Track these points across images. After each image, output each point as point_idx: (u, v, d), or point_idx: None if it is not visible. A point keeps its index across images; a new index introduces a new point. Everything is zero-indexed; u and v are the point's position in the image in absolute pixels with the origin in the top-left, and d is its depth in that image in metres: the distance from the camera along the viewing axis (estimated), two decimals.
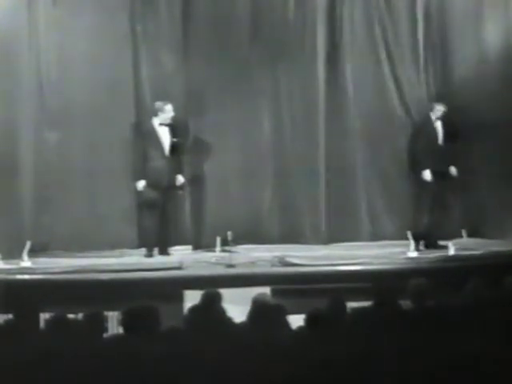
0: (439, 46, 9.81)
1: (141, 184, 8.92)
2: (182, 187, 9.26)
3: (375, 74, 9.77)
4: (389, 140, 9.74)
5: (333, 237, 9.62)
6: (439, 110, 9.21)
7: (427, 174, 9.08)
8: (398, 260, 8.43)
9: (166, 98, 9.14)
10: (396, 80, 9.78)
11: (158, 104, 9.07)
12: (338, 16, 9.76)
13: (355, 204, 9.76)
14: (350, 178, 9.76)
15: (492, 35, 9.61)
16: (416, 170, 9.21)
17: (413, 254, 8.54)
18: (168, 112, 9.02)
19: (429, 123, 9.26)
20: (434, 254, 8.61)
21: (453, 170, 9.24)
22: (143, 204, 9.05)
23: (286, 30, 9.70)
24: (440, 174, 9.15)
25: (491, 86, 9.47)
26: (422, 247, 8.88)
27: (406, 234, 8.80)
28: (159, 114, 9.04)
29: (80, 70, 9.41)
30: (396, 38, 9.79)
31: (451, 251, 8.63)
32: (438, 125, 9.25)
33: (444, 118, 9.22)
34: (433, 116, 9.25)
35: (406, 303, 5.61)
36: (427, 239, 9.01)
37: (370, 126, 9.73)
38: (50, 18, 9.38)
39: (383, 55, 9.76)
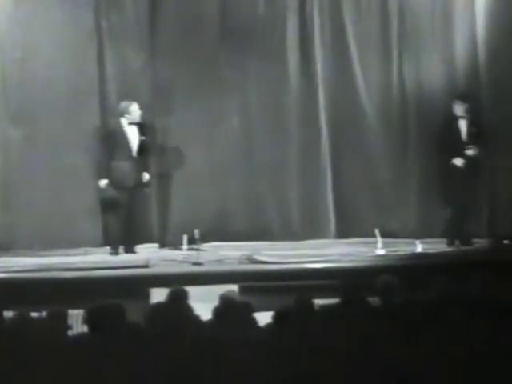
0: (412, 42, 9.69)
1: (103, 183, 8.84)
2: (147, 185, 9.19)
3: (346, 69, 9.72)
4: (359, 138, 9.71)
5: (302, 234, 9.61)
6: (461, 108, 8.96)
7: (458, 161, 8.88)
8: (366, 257, 8.44)
9: (131, 97, 9.06)
10: (366, 76, 9.73)
11: (123, 105, 8.95)
12: (308, 12, 9.70)
13: (325, 202, 9.72)
14: (319, 175, 9.72)
15: (460, 33, 9.64)
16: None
17: (380, 251, 8.57)
18: (134, 112, 8.92)
19: (452, 120, 9.01)
20: (401, 252, 8.63)
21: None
22: (108, 202, 8.97)
23: (256, 28, 9.63)
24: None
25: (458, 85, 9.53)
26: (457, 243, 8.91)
27: (375, 232, 8.82)
28: (126, 115, 8.92)
29: (44, 68, 9.33)
30: (367, 32, 9.71)
31: (418, 249, 8.65)
32: (462, 123, 9.00)
33: (467, 117, 8.99)
34: (456, 114, 9.00)
35: (373, 300, 5.60)
36: (461, 234, 8.98)
37: (340, 124, 9.72)
38: (13, 15, 9.28)
39: (354, 51, 9.69)
